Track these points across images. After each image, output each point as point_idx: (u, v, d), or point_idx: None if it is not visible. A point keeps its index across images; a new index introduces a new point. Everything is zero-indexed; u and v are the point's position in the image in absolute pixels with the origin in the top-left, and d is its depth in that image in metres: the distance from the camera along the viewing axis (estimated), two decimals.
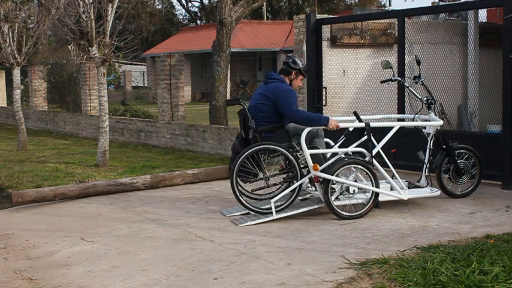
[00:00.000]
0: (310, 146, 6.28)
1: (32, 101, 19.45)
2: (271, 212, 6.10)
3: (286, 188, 6.33)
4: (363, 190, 6.20)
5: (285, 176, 6.41)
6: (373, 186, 6.15)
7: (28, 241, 5.77)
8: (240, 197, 6.20)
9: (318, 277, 4.36)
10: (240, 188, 6.26)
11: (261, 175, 6.25)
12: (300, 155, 6.29)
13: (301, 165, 6.25)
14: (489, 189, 7.23)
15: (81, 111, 16.75)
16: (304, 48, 9.72)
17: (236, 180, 6.16)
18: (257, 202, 6.48)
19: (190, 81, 33.39)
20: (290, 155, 6.15)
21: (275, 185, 6.55)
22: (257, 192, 6.60)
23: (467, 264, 4.31)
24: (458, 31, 11.36)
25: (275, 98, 6.28)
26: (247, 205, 6.22)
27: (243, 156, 6.12)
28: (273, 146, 6.14)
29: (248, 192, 6.54)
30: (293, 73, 6.51)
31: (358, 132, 6.68)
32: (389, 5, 33.27)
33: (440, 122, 6.73)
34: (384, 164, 6.52)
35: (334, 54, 9.96)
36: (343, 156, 6.36)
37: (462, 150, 6.91)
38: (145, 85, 39.90)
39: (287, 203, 6.19)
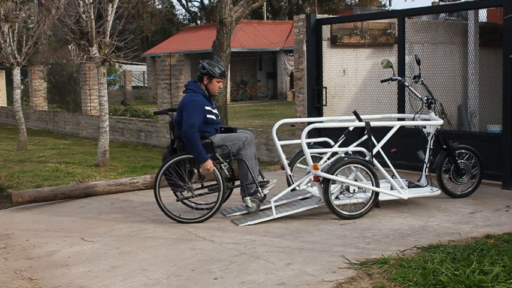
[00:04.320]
0: (235, 157, 6.25)
1: (32, 101, 19.46)
2: (192, 221, 6.14)
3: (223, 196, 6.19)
4: (363, 189, 6.20)
5: (210, 186, 6.34)
6: (373, 185, 6.15)
7: (28, 241, 5.77)
8: (162, 206, 6.19)
9: (318, 277, 4.36)
10: (161, 198, 6.22)
11: (188, 185, 6.20)
12: (224, 166, 6.25)
13: (225, 176, 6.23)
14: (489, 189, 7.22)
15: (81, 111, 16.75)
16: (304, 48, 9.72)
17: (159, 190, 6.15)
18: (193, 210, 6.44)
19: None
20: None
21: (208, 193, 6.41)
22: (192, 200, 6.45)
23: (467, 264, 4.30)
24: (458, 31, 11.35)
25: (183, 109, 6.21)
26: (170, 214, 6.21)
27: (165, 167, 6.15)
28: (192, 157, 6.11)
29: (191, 201, 6.46)
30: (204, 78, 6.37)
31: (358, 132, 6.68)
32: (390, 5, 33.24)
33: (441, 122, 6.72)
34: (384, 164, 6.52)
35: (334, 54, 9.95)
36: (343, 155, 6.36)
37: (463, 150, 6.91)
38: (145, 85, 39.89)
39: (210, 213, 6.16)
